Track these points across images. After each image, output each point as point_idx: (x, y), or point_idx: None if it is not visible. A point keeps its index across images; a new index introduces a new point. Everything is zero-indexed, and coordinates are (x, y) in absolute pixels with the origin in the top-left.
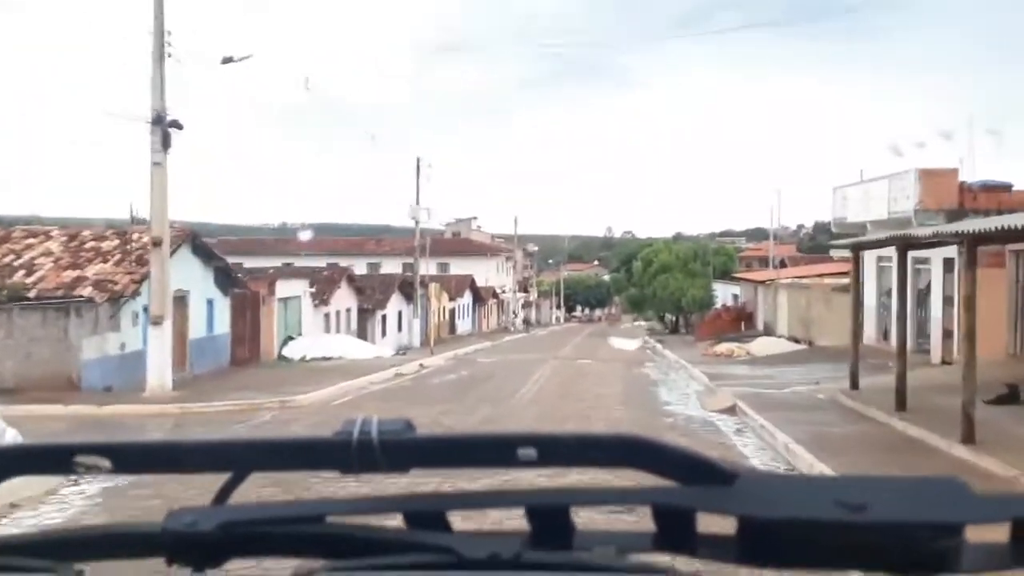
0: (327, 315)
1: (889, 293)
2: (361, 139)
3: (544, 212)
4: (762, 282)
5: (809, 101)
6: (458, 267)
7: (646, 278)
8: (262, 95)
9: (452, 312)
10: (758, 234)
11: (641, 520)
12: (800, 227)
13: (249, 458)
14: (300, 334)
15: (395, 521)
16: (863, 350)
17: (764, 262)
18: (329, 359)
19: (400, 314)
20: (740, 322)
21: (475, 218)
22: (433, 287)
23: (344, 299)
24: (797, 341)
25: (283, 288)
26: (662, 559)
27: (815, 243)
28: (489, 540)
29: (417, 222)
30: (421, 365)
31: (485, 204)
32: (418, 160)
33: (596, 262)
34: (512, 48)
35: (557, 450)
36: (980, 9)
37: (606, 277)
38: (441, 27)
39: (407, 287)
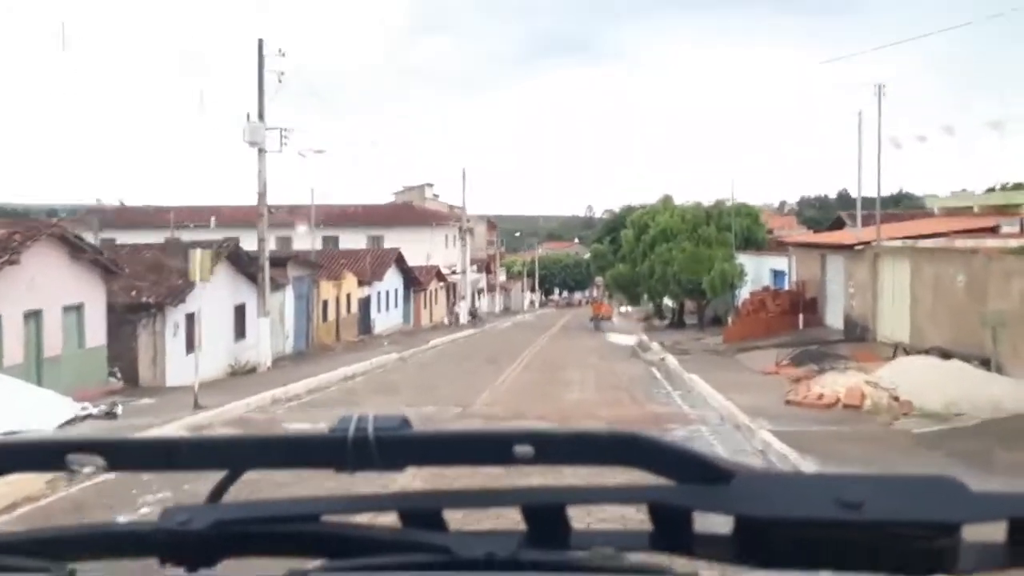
0: (28, 317)
1: None
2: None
3: (522, 192)
4: (842, 247)
5: (797, 76)
6: (395, 241)
7: (639, 250)
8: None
9: (365, 302)
10: (742, 211)
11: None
12: (783, 203)
13: (244, 456)
14: None
15: (391, 520)
16: None
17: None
18: None
19: (242, 311)
20: (797, 315)
21: (430, 185)
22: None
23: (64, 288)
24: (949, 357)
25: None
26: (659, 558)
27: (810, 217)
28: (485, 539)
29: (261, 151)
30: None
31: (450, 180)
32: (260, 43)
33: (576, 240)
34: (487, 23)
35: (554, 448)
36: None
37: (587, 256)
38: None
39: (250, 266)
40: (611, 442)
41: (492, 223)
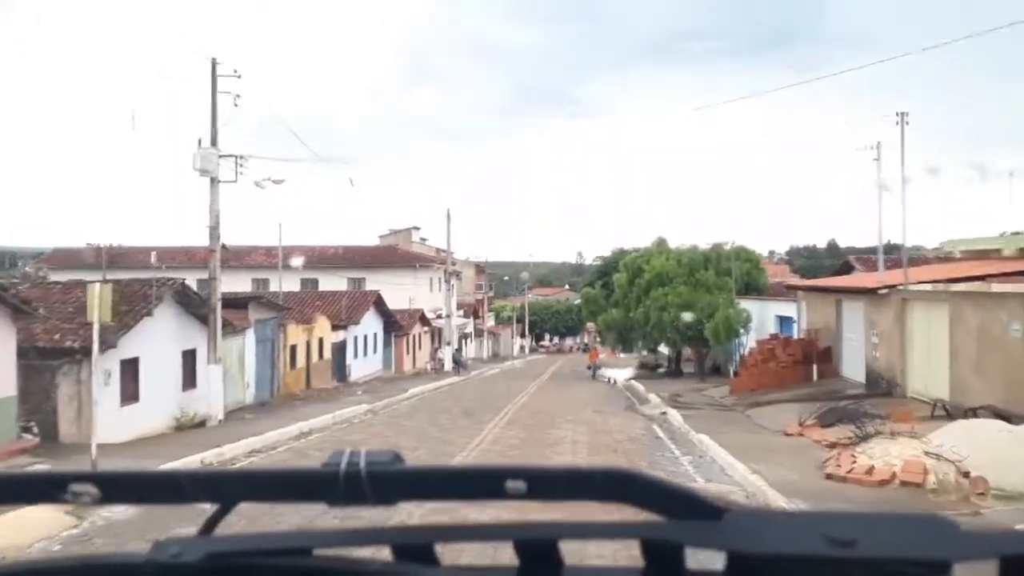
0: None
1: None
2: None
3: (511, 240)
4: (862, 291)
5: (775, 128)
6: (378, 284)
7: (633, 295)
8: None
9: (341, 347)
10: (741, 255)
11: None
12: (772, 252)
13: (237, 489)
14: None
15: (383, 554)
16: None
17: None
18: None
19: (192, 356)
20: (810, 366)
21: (417, 228)
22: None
23: None
24: (1005, 418)
25: None
26: None
27: (800, 266)
28: (477, 574)
29: (214, 180)
30: None
31: (438, 224)
32: (213, 63)
33: (566, 287)
34: (474, 75)
35: (546, 484)
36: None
37: (577, 301)
38: (405, 54)
39: (201, 307)
40: (603, 478)
41: (480, 267)
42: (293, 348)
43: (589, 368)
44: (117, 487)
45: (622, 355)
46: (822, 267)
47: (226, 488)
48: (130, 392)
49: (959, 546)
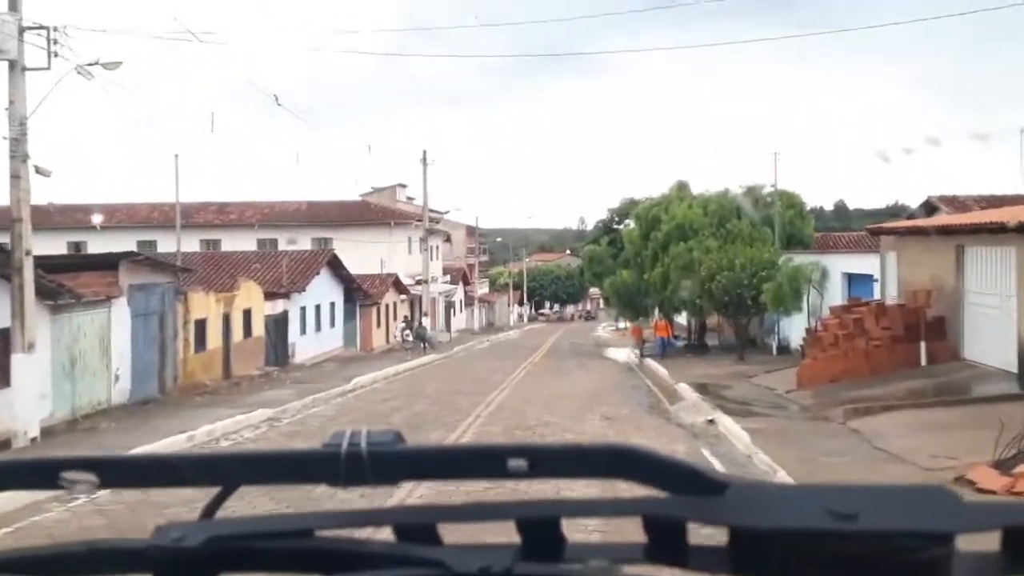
0: None
1: None
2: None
3: (511, 206)
4: (1006, 231)
5: (786, 90)
6: (347, 245)
7: (648, 251)
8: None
9: (281, 321)
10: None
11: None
12: None
13: (237, 472)
14: None
15: (385, 534)
16: None
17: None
18: None
19: (5, 338)
20: (916, 343)
21: (403, 186)
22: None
23: None
24: None
25: None
26: (654, 570)
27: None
28: (480, 553)
29: (15, 65)
30: None
31: (441, 194)
32: None
33: (568, 252)
34: (475, 34)
35: (547, 461)
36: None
37: (579, 264)
38: (404, 11)
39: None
40: (604, 455)
41: (472, 229)
42: (201, 324)
43: (636, 351)
44: (115, 472)
45: (623, 324)
46: (832, 230)
47: (226, 471)
48: None
49: (961, 518)
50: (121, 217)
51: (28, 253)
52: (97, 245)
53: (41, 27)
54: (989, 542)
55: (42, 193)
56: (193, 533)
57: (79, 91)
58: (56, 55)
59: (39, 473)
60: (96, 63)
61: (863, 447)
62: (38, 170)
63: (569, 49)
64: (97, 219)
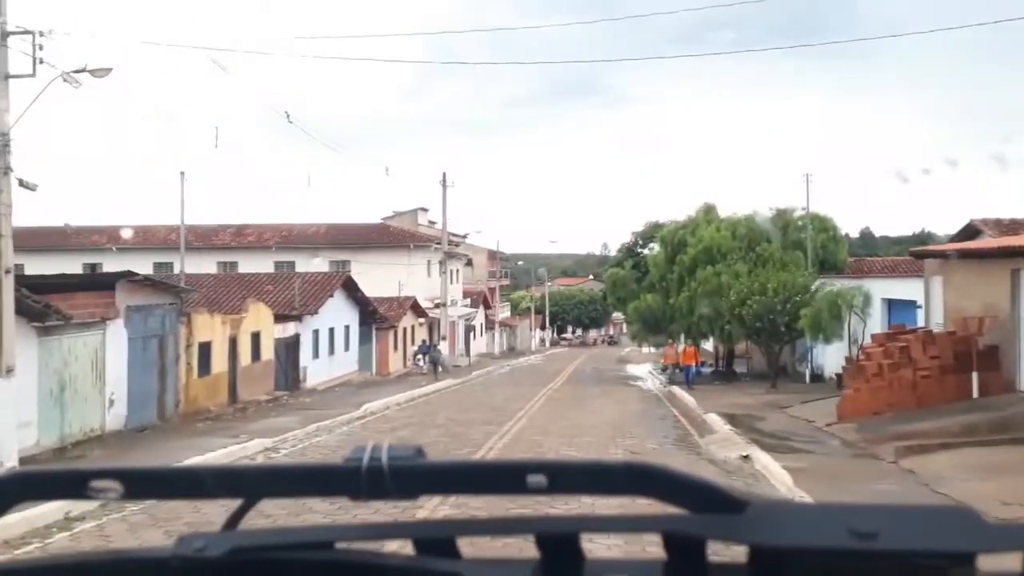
0: None
1: None
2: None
3: (534, 232)
4: None
5: (806, 120)
6: (365, 268)
7: (674, 275)
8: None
9: (292, 345)
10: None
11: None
12: None
13: (260, 484)
14: None
15: (405, 548)
16: None
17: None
18: None
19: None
20: (967, 374)
21: (424, 209)
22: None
23: None
24: None
25: None
26: None
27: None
28: (499, 568)
29: None
30: None
31: (463, 218)
32: None
33: (591, 277)
34: (502, 67)
35: (567, 478)
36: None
37: (602, 288)
38: (433, 45)
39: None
40: (624, 472)
41: (494, 253)
42: (205, 347)
43: (681, 371)
44: (141, 483)
45: (646, 350)
46: (859, 256)
47: (249, 484)
48: None
49: (983, 538)
50: (138, 239)
51: (8, 272)
52: (113, 266)
53: (26, 31)
54: (1011, 563)
55: (59, 215)
56: (216, 543)
57: (107, 114)
58: (42, 61)
59: (68, 483)
60: (83, 70)
61: (922, 491)
62: (22, 183)
63: (593, 81)
64: (127, 233)
